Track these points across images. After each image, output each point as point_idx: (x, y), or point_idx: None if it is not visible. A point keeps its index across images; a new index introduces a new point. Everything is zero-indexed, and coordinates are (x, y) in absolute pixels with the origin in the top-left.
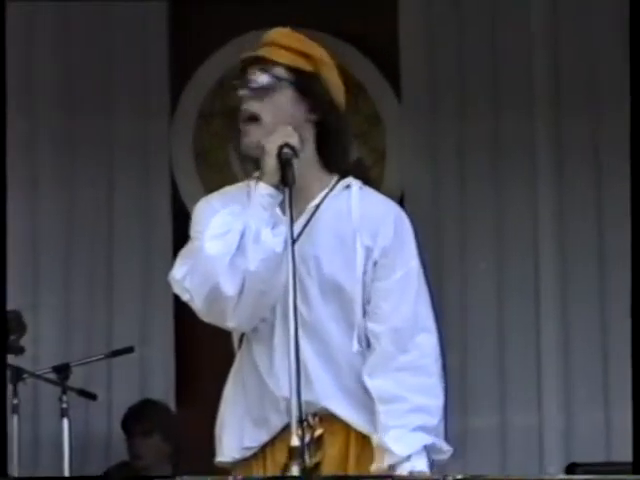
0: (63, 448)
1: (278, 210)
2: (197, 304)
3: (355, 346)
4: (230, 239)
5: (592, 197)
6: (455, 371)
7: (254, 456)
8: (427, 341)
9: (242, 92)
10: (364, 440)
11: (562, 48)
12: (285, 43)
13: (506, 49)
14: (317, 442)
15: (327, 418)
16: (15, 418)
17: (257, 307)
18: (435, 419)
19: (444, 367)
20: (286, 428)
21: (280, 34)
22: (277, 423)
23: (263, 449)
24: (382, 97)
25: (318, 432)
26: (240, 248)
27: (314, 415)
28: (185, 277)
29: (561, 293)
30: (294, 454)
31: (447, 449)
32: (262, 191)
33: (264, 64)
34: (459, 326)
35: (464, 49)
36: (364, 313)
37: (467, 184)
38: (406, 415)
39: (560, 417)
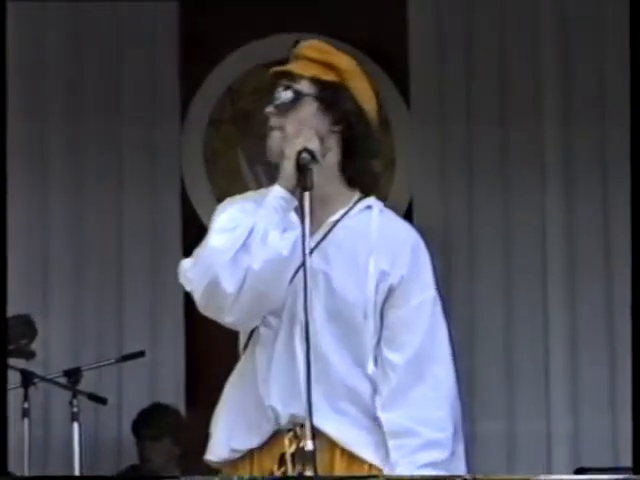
0: (73, 452)
1: (295, 217)
2: (196, 296)
3: (371, 368)
4: (236, 235)
5: (600, 201)
6: (463, 376)
7: (241, 459)
8: (441, 373)
9: (268, 109)
10: (351, 458)
11: (571, 54)
12: (312, 56)
13: (515, 56)
14: (302, 454)
15: (314, 432)
16: (26, 422)
17: (256, 307)
18: (445, 452)
19: (459, 390)
20: (275, 435)
21: (309, 47)
22: (267, 430)
23: (251, 454)
24: (391, 103)
25: (303, 444)
26: (245, 245)
27: (301, 426)
28: (190, 268)
29: (569, 299)
30: (307, 458)
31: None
32: (276, 194)
33: (289, 79)
34: (467, 330)
35: (473, 56)
36: (378, 337)
37: (475, 189)
38: (415, 452)
39: (568, 422)
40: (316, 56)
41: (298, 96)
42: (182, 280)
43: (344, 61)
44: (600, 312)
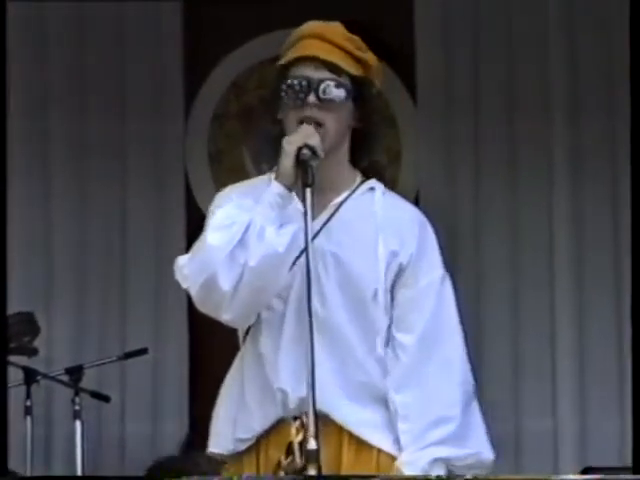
0: (76, 450)
1: (295, 211)
2: (193, 293)
3: (379, 349)
4: (233, 231)
5: (608, 195)
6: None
7: (247, 450)
8: (450, 351)
9: (311, 99)
10: (359, 444)
11: (579, 48)
12: (346, 47)
13: (523, 50)
14: (306, 451)
15: (322, 418)
16: (28, 420)
17: (253, 302)
18: (453, 425)
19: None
20: (281, 424)
21: (341, 35)
22: (274, 414)
23: (257, 443)
24: (398, 98)
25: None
26: (242, 242)
27: (306, 415)
28: (186, 265)
29: (577, 297)
30: (310, 457)
31: (468, 453)
32: (273, 190)
33: (331, 69)
34: (473, 328)
35: (480, 51)
36: (389, 318)
37: (482, 185)
38: (423, 433)
39: (575, 421)
40: (351, 49)
41: (348, 96)
42: (178, 277)
43: (373, 57)
44: (609, 306)
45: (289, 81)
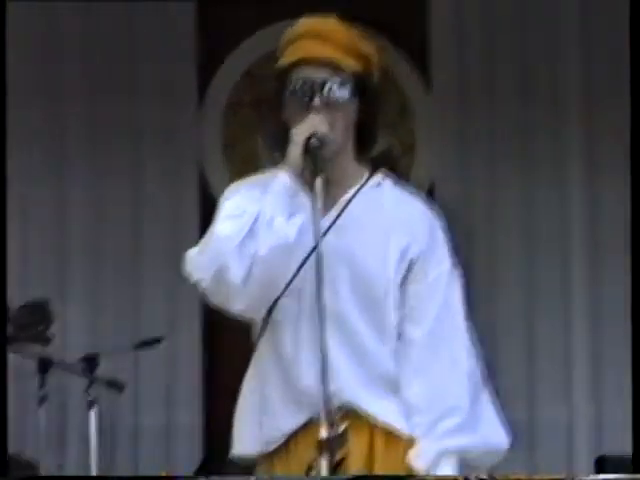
0: (90, 439)
1: (304, 201)
2: (204, 284)
3: (391, 343)
4: (243, 221)
5: (623, 183)
6: (483, 364)
7: (276, 451)
8: (457, 344)
9: (316, 103)
10: (389, 436)
11: (593, 34)
12: (346, 43)
13: (536, 38)
14: (341, 438)
15: (350, 413)
16: (42, 409)
17: (263, 292)
18: (463, 414)
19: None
20: (310, 423)
21: (336, 31)
22: (299, 416)
23: (287, 444)
24: (412, 88)
25: (342, 427)
26: (251, 232)
27: (337, 410)
28: (196, 256)
29: (592, 285)
30: (322, 448)
31: (477, 442)
32: (282, 179)
33: (333, 68)
34: (488, 318)
35: (494, 39)
36: (399, 314)
37: (497, 174)
38: (434, 425)
39: (590, 410)
40: (350, 44)
41: (352, 94)
42: (188, 269)
43: (373, 50)
44: (624, 297)
45: (292, 87)
